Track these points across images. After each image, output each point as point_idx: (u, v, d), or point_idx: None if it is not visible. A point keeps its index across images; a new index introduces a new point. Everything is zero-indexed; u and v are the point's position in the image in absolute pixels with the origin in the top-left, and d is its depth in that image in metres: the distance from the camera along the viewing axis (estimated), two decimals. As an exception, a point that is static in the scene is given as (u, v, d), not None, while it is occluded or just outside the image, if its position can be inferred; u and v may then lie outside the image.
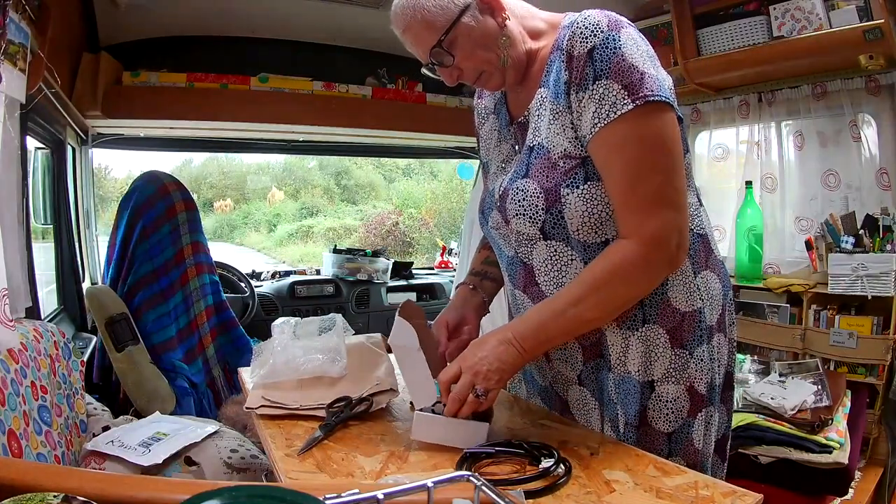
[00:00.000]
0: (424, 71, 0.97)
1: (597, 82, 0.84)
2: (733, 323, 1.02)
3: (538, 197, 0.91)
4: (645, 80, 0.83)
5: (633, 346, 0.92)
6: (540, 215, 0.91)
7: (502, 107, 1.05)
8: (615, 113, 0.83)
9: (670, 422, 0.93)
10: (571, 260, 0.92)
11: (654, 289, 0.90)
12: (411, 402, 1.00)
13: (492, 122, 1.08)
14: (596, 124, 0.84)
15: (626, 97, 0.82)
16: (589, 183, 0.88)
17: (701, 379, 0.93)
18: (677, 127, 0.87)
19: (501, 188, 0.98)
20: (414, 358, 0.91)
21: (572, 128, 0.88)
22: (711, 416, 0.96)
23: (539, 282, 0.96)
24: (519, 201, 0.93)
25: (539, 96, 0.94)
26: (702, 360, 0.93)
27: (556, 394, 1.05)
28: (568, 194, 0.88)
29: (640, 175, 0.84)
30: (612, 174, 0.86)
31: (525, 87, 0.98)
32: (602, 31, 0.84)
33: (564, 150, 0.89)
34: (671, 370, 0.92)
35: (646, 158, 0.84)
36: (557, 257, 0.93)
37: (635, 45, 0.84)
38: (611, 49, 0.83)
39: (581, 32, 0.85)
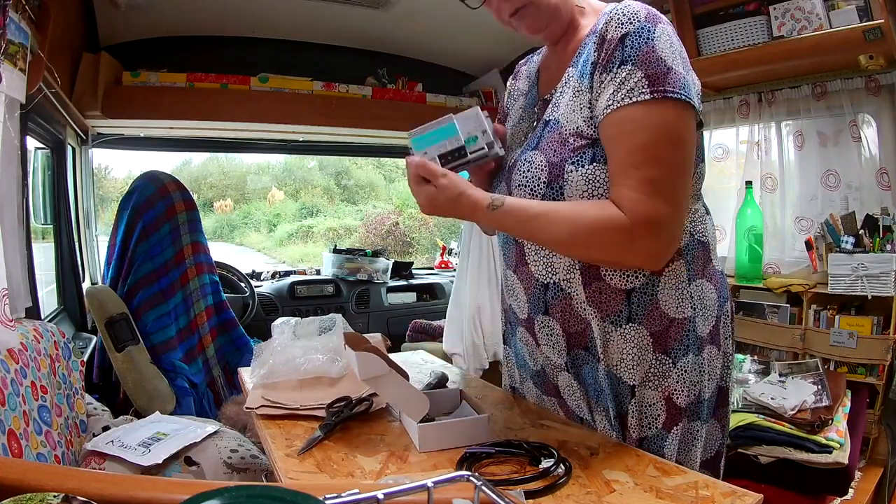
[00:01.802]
0: None
1: (622, 66, 0.84)
2: (729, 336, 0.99)
3: (542, 170, 0.91)
4: (670, 76, 0.82)
5: (613, 341, 0.91)
6: (541, 188, 0.91)
7: (534, 87, 1.06)
8: (630, 98, 0.82)
9: (642, 427, 0.91)
10: None
11: (644, 287, 0.89)
12: (399, 419, 1.00)
13: (521, 102, 1.08)
14: (609, 105, 0.84)
15: (646, 86, 0.82)
16: (594, 164, 0.87)
17: (682, 391, 0.91)
18: (693, 130, 0.86)
19: (512, 160, 0.99)
20: (390, 380, 0.91)
21: (589, 107, 0.88)
22: (697, 431, 0.93)
23: (528, 262, 0.97)
24: (524, 172, 0.94)
25: (567, 75, 0.94)
26: (685, 371, 0.91)
27: (547, 378, 1.04)
28: (571, 171, 0.88)
29: (644, 162, 0.83)
30: (616, 155, 0.85)
31: (557, 65, 0.99)
32: (639, 21, 0.84)
33: (577, 127, 0.89)
34: (650, 375, 0.90)
35: (653, 149, 0.83)
36: None
37: (669, 41, 0.84)
38: (643, 38, 0.83)
39: (618, 18, 0.86)
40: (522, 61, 1.16)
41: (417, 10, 2.38)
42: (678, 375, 0.91)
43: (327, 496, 0.49)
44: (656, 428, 0.91)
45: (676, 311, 0.90)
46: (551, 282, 0.95)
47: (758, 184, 2.21)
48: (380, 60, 2.76)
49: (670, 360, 0.90)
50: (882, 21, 1.65)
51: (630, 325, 0.90)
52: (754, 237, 2.16)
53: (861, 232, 1.87)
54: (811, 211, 2.09)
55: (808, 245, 2.01)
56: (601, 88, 0.86)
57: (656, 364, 0.90)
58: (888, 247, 1.81)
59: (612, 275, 0.90)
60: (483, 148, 0.93)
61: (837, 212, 1.96)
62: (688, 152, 0.86)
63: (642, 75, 0.82)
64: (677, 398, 0.91)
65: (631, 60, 0.83)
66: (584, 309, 0.92)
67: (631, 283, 0.89)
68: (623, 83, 0.83)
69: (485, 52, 2.78)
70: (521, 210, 0.88)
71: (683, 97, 0.83)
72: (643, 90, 0.82)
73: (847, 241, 1.88)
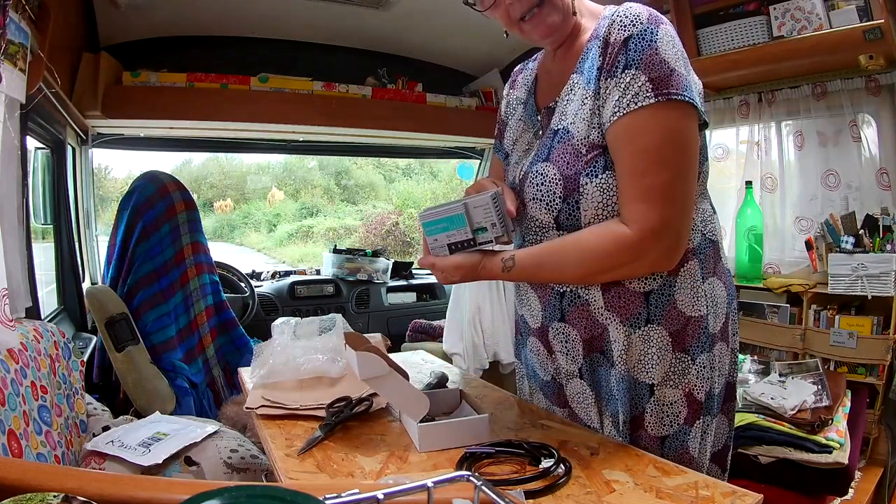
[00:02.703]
0: None
1: (626, 71, 0.84)
2: (736, 333, 1.01)
3: (557, 184, 0.91)
4: (673, 78, 0.83)
5: (634, 344, 0.91)
6: (557, 203, 0.91)
7: (531, 96, 1.05)
8: (635, 104, 0.83)
9: (665, 426, 0.92)
10: None
11: (661, 289, 0.90)
12: (399, 419, 1.00)
13: (520, 112, 1.07)
14: (615, 112, 0.85)
15: (650, 90, 0.82)
16: (607, 172, 0.87)
17: (700, 386, 0.92)
18: (696, 130, 0.86)
19: (522, 172, 0.98)
20: (391, 380, 0.91)
21: (598, 115, 0.88)
22: (708, 426, 0.95)
23: None
24: (537, 185, 0.93)
25: (571, 81, 0.94)
26: (703, 367, 0.92)
27: (558, 387, 1.04)
28: (587, 183, 0.88)
29: (649, 168, 0.83)
30: (623, 162, 0.86)
31: (559, 71, 0.98)
32: (641, 23, 0.85)
33: (588, 136, 0.89)
34: (671, 374, 0.91)
35: (658, 152, 0.83)
36: None
37: (671, 43, 0.85)
38: (647, 41, 0.84)
39: (621, 21, 0.86)
40: (518, 68, 1.15)
41: (417, 10, 2.38)
42: (697, 372, 0.92)
43: (327, 496, 0.49)
44: (678, 425, 0.92)
45: (692, 310, 0.91)
46: (568, 289, 0.95)
47: (758, 184, 2.21)
48: (380, 60, 2.76)
49: (689, 358, 0.91)
50: (882, 21, 1.65)
51: (649, 326, 0.91)
52: (754, 237, 2.16)
53: (861, 232, 1.87)
54: (811, 211, 2.09)
55: (808, 245, 2.01)
56: (607, 94, 0.86)
57: (676, 363, 0.91)
58: (888, 247, 1.81)
59: (631, 278, 0.90)
60: (491, 241, 0.96)
61: (837, 212, 1.96)
62: (692, 154, 0.86)
63: (646, 79, 0.82)
64: (697, 393, 0.92)
65: (634, 64, 0.83)
66: (602, 314, 0.93)
67: (649, 285, 0.90)
68: (627, 88, 0.83)
69: (485, 52, 2.77)
70: (530, 261, 0.93)
71: (687, 98, 0.83)
72: (647, 94, 0.82)
73: (847, 241, 1.88)
